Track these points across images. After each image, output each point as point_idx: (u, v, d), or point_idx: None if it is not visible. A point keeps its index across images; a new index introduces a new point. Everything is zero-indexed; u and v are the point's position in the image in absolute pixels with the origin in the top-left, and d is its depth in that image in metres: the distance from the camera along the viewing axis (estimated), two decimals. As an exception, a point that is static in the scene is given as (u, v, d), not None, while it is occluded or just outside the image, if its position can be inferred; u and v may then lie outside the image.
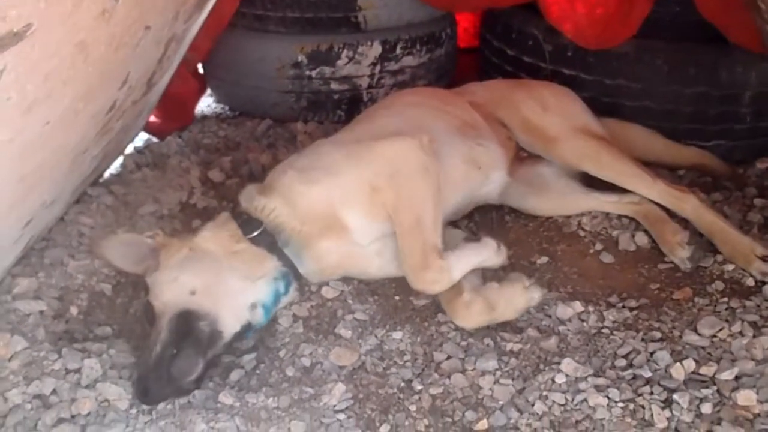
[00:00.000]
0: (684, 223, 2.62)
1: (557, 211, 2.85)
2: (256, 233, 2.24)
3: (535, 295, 2.26)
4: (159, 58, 2.71)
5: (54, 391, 2.01)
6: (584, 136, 2.76)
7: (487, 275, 2.35)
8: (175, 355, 1.97)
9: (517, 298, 2.23)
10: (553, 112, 2.81)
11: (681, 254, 2.51)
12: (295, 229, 2.27)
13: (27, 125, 1.63)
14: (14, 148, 1.62)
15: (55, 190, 2.33)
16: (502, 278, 2.31)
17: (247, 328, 2.16)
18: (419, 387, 2.03)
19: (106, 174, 3.12)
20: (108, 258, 2.30)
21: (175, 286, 2.09)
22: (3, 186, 1.74)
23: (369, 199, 2.28)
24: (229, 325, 2.09)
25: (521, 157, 2.88)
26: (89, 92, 2.01)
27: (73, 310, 2.30)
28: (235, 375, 2.11)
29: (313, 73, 3.46)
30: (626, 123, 3.06)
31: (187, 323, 2.02)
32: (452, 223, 2.71)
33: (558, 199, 2.84)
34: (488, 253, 2.31)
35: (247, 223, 2.27)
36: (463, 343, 2.19)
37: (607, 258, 2.60)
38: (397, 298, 2.42)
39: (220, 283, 2.13)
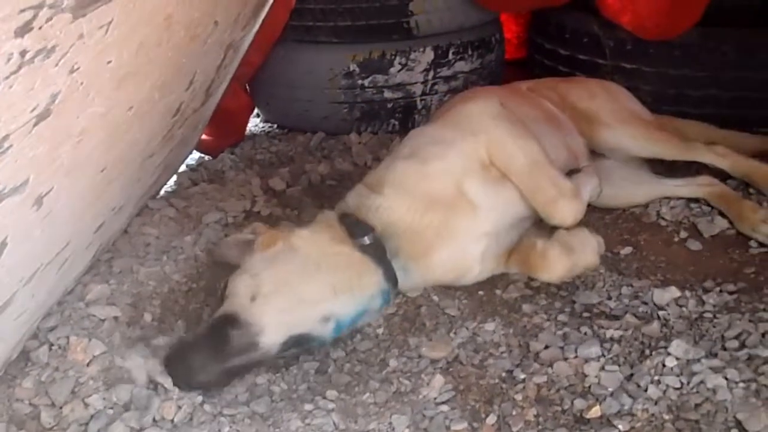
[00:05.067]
0: (758, 198, 2.57)
1: (630, 201, 2.75)
2: (367, 240, 2.09)
3: (600, 239, 2.28)
4: (218, 65, 2.67)
5: (135, 396, 1.91)
6: (634, 119, 2.73)
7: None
8: (194, 352, 1.86)
9: (589, 239, 2.22)
10: (600, 99, 2.76)
11: (765, 230, 2.41)
12: (410, 230, 2.13)
13: (116, 103, 1.57)
14: (105, 125, 1.55)
15: (124, 195, 2.27)
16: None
17: (305, 340, 1.97)
18: (522, 376, 1.91)
19: (162, 191, 3.06)
20: (228, 259, 2.23)
21: (242, 285, 1.96)
22: (89, 171, 1.67)
23: (482, 163, 2.21)
24: (272, 338, 1.90)
25: None
26: (165, 84, 1.96)
27: (147, 317, 2.21)
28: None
29: (366, 82, 3.40)
30: (680, 119, 2.96)
31: (223, 327, 1.89)
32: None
33: (628, 188, 2.75)
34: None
35: (356, 226, 2.12)
36: (560, 333, 2.07)
37: (694, 245, 2.47)
38: (481, 292, 2.30)
39: (295, 290, 1.96)
